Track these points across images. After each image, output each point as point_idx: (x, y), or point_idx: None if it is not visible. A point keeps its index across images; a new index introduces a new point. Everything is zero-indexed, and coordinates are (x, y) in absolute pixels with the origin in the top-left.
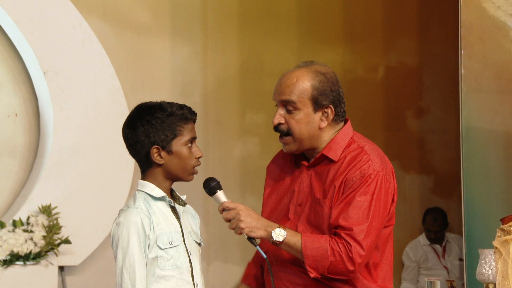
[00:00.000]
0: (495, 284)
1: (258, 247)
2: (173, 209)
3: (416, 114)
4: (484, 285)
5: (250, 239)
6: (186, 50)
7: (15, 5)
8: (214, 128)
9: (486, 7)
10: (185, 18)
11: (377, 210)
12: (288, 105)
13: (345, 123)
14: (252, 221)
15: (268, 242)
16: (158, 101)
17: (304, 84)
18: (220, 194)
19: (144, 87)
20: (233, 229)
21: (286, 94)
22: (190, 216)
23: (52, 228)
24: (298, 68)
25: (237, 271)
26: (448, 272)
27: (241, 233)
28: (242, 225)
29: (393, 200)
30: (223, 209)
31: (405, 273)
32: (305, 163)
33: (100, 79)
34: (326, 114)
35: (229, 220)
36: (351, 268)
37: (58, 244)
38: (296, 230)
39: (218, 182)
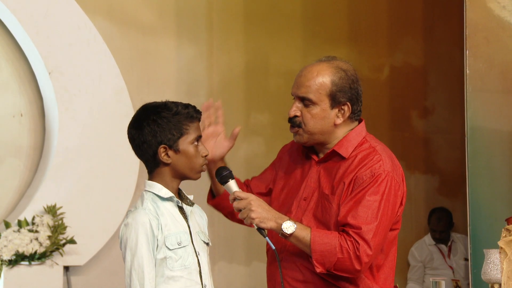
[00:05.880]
0: (500, 284)
1: (267, 238)
2: (181, 209)
3: (421, 114)
4: (489, 285)
5: (260, 229)
6: (191, 50)
7: (20, 5)
8: None
9: (492, 7)
10: (190, 18)
11: (386, 210)
12: (305, 99)
13: (360, 122)
14: (263, 212)
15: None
16: (162, 100)
17: (323, 79)
18: (232, 183)
19: (149, 87)
20: (244, 219)
21: (305, 88)
22: (198, 216)
23: (57, 228)
24: (319, 62)
25: (242, 271)
26: (453, 272)
27: (251, 223)
28: (253, 215)
29: (401, 203)
30: (235, 199)
31: (411, 273)
32: (315, 158)
33: (105, 79)
34: (342, 111)
35: (239, 210)
36: (357, 267)
37: (63, 244)
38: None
39: (231, 172)
